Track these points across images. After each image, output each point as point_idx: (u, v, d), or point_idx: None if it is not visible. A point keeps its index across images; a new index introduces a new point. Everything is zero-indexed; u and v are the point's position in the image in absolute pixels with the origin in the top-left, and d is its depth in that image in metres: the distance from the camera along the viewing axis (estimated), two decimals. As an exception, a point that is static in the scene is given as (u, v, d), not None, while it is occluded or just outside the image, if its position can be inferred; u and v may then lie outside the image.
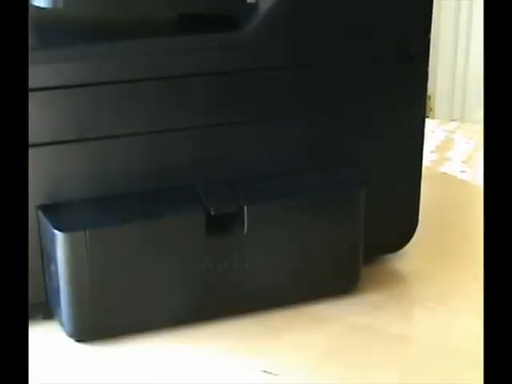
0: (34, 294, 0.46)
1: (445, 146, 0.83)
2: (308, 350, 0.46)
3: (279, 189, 0.48)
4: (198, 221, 0.45)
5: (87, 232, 0.43)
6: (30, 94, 0.42)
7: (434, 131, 0.88)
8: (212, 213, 0.46)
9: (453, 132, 1.47)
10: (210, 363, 0.45)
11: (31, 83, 0.42)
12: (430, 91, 0.53)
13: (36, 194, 0.44)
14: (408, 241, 0.55)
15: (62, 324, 0.46)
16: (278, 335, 0.47)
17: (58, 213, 0.44)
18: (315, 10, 0.47)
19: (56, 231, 0.43)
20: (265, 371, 0.44)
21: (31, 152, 0.44)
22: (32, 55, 0.43)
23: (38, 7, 0.44)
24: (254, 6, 0.46)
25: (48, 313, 0.47)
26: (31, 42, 0.47)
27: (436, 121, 0.95)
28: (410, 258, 0.56)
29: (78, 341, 0.46)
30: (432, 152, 0.80)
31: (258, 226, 0.47)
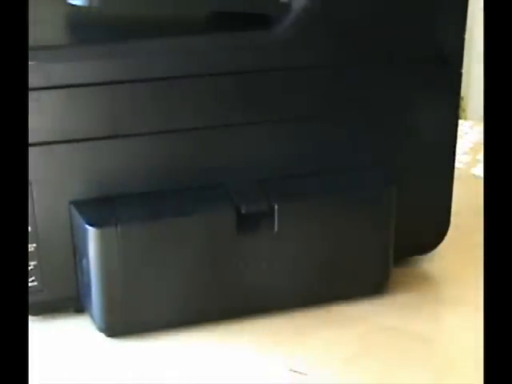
0: (65, 289, 0.47)
1: (478, 147, 0.82)
2: (337, 350, 0.46)
3: (309, 188, 0.48)
4: (229, 219, 0.46)
5: (118, 228, 0.44)
6: (65, 90, 0.43)
7: (466, 133, 0.88)
8: (243, 211, 0.46)
9: (486, 134, 1.45)
10: (238, 361, 0.45)
11: (66, 80, 0.43)
12: (462, 92, 0.52)
13: (69, 190, 0.45)
14: (439, 242, 0.54)
15: (93, 319, 0.46)
16: (306, 335, 0.47)
17: (90, 208, 0.45)
18: (347, 11, 0.47)
19: (88, 226, 0.44)
20: (293, 370, 0.44)
21: (66, 148, 0.44)
22: (67, 52, 0.43)
23: (74, 5, 0.45)
24: (287, 6, 0.46)
25: (79, 307, 0.48)
26: (68, 39, 0.48)
27: (469, 122, 0.94)
28: (441, 259, 0.55)
29: (109, 336, 0.47)
30: (465, 154, 0.80)
31: (288, 225, 0.47)
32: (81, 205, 0.45)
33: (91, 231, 0.44)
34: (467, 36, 0.50)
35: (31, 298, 0.44)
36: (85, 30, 0.47)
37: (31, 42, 0.38)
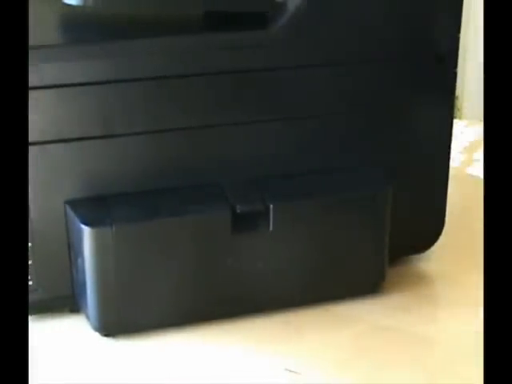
0: (61, 288, 0.47)
1: (473, 147, 0.83)
2: (331, 349, 0.46)
3: (305, 188, 0.48)
4: (224, 219, 0.45)
5: (113, 227, 0.44)
6: (58, 90, 0.43)
7: (462, 132, 0.88)
8: (238, 211, 0.46)
9: (481, 133, 1.45)
10: (233, 361, 0.45)
11: (60, 80, 0.43)
12: (457, 91, 0.52)
13: (64, 190, 0.45)
14: (434, 242, 0.54)
15: (88, 318, 0.46)
16: (301, 334, 0.47)
17: (86, 208, 0.45)
18: (343, 10, 0.47)
19: (83, 226, 0.44)
20: (288, 370, 0.44)
21: (60, 147, 0.44)
22: (61, 52, 0.43)
23: (68, 5, 0.45)
24: (282, 5, 0.46)
25: (74, 306, 0.48)
26: (62, 39, 0.47)
27: (464, 121, 0.94)
28: (436, 259, 0.55)
29: (104, 335, 0.46)
30: (460, 153, 0.80)
31: (283, 224, 0.47)
32: (76, 204, 0.45)
33: (86, 230, 0.44)
34: (461, 35, 0.50)
35: (26, 298, 0.44)
36: (79, 30, 0.47)
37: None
